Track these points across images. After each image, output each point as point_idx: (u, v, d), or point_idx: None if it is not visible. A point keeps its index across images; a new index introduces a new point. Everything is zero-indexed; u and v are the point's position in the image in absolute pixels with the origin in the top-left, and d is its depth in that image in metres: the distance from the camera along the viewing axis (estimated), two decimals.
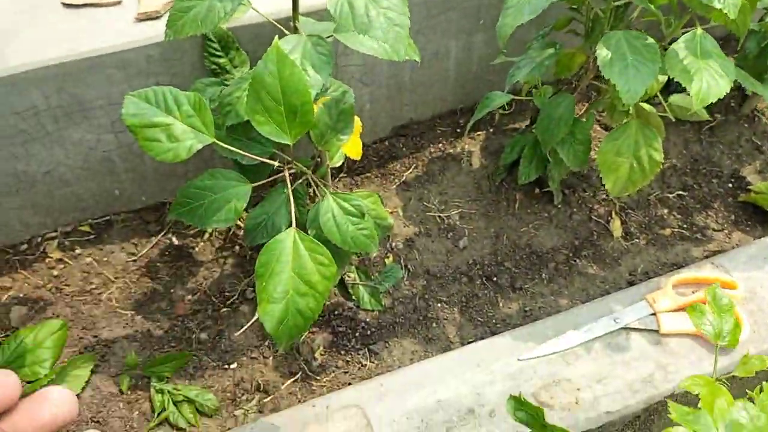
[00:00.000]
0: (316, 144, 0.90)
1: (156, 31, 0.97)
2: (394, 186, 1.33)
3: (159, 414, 1.01)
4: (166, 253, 1.20)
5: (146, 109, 0.77)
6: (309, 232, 0.90)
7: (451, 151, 1.39)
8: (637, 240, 1.30)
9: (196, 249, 1.21)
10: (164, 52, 0.98)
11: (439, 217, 1.29)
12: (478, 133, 1.42)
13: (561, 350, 1.10)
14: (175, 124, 0.77)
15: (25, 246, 1.18)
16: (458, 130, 1.42)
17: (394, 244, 1.24)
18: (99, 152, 1.08)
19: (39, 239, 1.19)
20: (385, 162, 1.36)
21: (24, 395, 0.98)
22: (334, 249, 0.89)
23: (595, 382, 1.06)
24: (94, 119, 1.02)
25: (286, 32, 0.89)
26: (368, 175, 1.34)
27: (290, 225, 0.83)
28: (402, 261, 1.22)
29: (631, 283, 1.24)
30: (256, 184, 0.90)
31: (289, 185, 0.86)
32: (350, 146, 0.98)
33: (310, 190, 1.06)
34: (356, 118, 0.95)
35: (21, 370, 1.02)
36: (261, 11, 0.90)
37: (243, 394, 1.05)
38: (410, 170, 1.35)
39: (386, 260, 1.22)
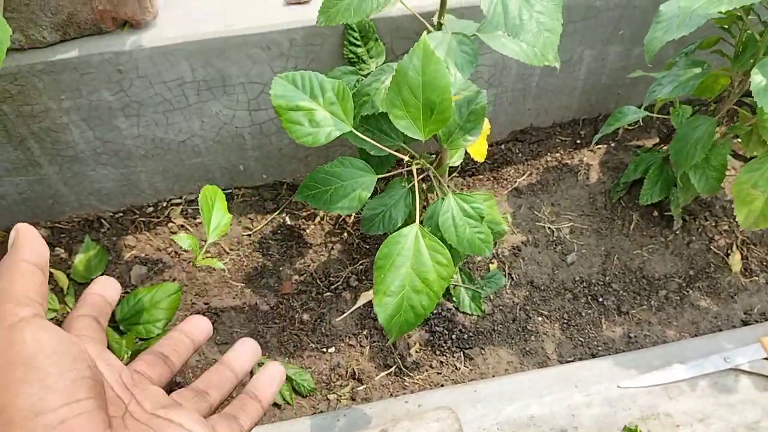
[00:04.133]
0: (442, 142, 0.90)
1: (302, 16, 1.00)
2: (506, 191, 1.31)
3: None
4: (279, 231, 1.24)
5: (292, 92, 0.79)
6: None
7: (569, 161, 1.35)
8: (757, 278, 1.23)
9: (307, 231, 1.24)
10: (307, 37, 1.01)
11: (549, 228, 1.26)
12: (599, 146, 1.38)
13: (664, 383, 1.06)
14: (317, 110, 0.79)
15: (151, 209, 1.25)
16: (578, 141, 1.38)
17: (500, 250, 1.23)
18: (232, 127, 1.13)
19: (165, 204, 1.25)
20: (499, 166, 1.35)
21: (136, 351, 1.04)
22: (449, 249, 0.89)
23: (697, 421, 1.02)
24: (233, 95, 1.06)
25: (430, 28, 0.90)
26: (480, 177, 1.33)
27: (407, 219, 0.84)
28: (506, 268, 1.21)
29: (745, 323, 1.17)
30: (380, 176, 0.91)
31: (415, 180, 0.86)
32: (476, 147, 0.98)
33: (425, 186, 1.06)
34: (485, 121, 0.94)
35: (136, 327, 1.09)
36: (408, 5, 0.91)
37: (337, 380, 1.07)
38: (524, 177, 1.33)
39: (490, 265, 1.21)
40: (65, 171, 1.12)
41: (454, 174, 1.33)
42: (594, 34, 1.19)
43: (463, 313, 1.14)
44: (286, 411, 1.04)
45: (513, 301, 1.17)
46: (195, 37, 0.97)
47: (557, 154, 1.37)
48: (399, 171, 0.94)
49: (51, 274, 1.16)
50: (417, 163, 0.88)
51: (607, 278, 1.21)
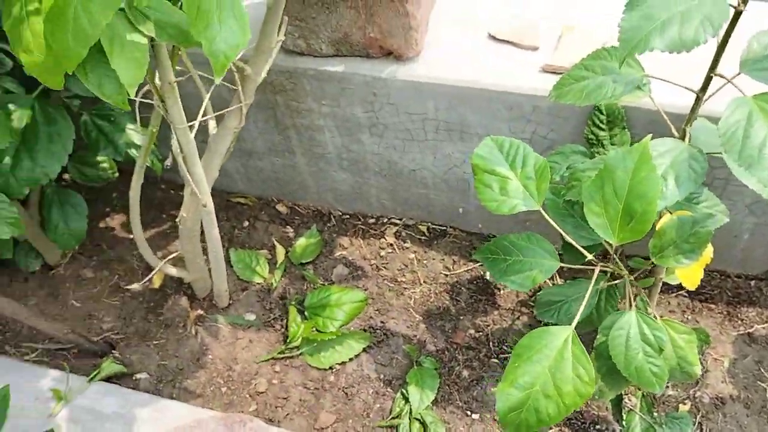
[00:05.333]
0: (651, 255, 0.82)
1: (550, 86, 0.98)
2: (736, 333, 1.13)
3: (392, 417, 1.07)
4: (475, 282, 1.24)
5: (495, 156, 0.79)
6: (598, 337, 0.83)
7: None
8: None
9: (501, 293, 1.22)
10: (552, 108, 0.99)
11: None
12: None
13: None
14: (511, 180, 0.78)
15: (372, 221, 1.34)
16: None
17: (699, 393, 1.07)
18: (460, 171, 1.16)
19: (385, 220, 1.33)
20: (739, 303, 1.16)
21: (310, 339, 1.10)
22: (612, 367, 0.81)
23: None
24: (468, 142, 1.09)
25: (674, 131, 0.82)
26: (711, 305, 1.17)
27: (576, 320, 0.78)
28: (698, 417, 1.04)
29: None
30: (565, 265, 0.86)
31: (600, 284, 0.80)
32: (688, 273, 0.87)
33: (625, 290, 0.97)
34: (709, 248, 0.83)
35: (316, 318, 1.18)
36: (657, 101, 0.84)
37: None
38: (765, 324, 1.13)
39: (681, 405, 1.06)
40: (312, 165, 1.26)
41: (681, 291, 1.19)
42: None
43: None
44: None
45: None
46: (445, 81, 1.02)
47: None
48: (589, 267, 0.88)
49: (273, 245, 1.31)
50: (607, 267, 0.81)
51: None
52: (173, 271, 1.14)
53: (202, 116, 0.88)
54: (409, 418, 1.06)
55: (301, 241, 1.31)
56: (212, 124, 0.99)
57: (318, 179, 1.30)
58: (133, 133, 1.08)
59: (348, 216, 1.36)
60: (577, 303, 0.89)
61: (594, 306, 0.88)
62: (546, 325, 0.77)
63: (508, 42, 1.06)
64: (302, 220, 1.37)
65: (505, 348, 1.14)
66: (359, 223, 1.34)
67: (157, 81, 0.82)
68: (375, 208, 1.32)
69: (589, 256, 0.80)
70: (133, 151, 1.06)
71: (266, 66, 0.92)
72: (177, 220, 1.06)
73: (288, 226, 1.36)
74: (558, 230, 0.82)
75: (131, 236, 1.37)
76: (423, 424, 1.05)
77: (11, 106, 0.95)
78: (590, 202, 0.75)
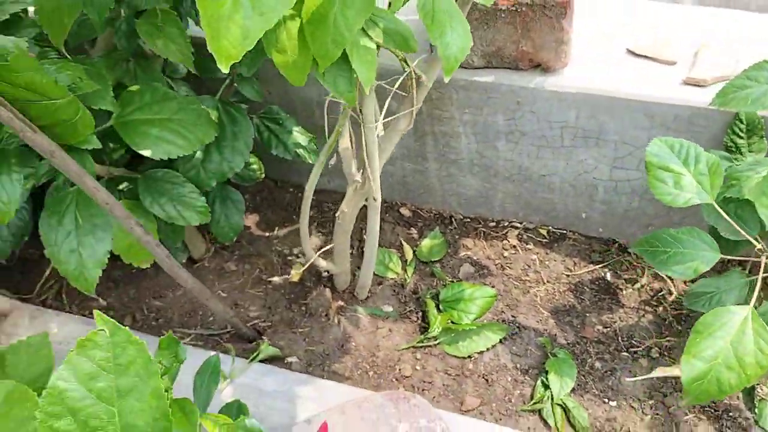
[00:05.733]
0: None
1: (694, 97, 1.07)
2: None
3: (534, 402, 1.14)
4: (596, 283, 1.31)
5: (666, 154, 0.88)
6: None
7: None
8: None
9: (624, 293, 1.29)
10: (692, 117, 1.08)
11: None
12: None
13: None
14: (685, 176, 0.87)
15: (493, 224, 1.43)
16: None
17: None
18: (590, 177, 1.24)
19: (505, 224, 1.42)
20: None
21: (447, 329, 1.18)
22: None
23: None
24: (603, 149, 1.18)
25: None
26: None
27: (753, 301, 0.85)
28: None
29: None
30: (723, 257, 0.93)
31: (760, 274, 0.88)
32: None
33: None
34: None
35: (451, 311, 1.27)
36: None
37: (611, 429, 1.11)
38: None
39: None
40: (443, 170, 1.36)
41: None
42: None
43: (762, 429, 1.08)
44: None
45: None
46: (590, 90, 1.11)
47: None
48: (745, 258, 0.96)
49: (401, 245, 1.40)
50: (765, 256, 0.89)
51: None
52: (323, 264, 1.24)
53: (383, 117, 0.98)
54: (552, 404, 1.13)
55: (426, 242, 1.40)
56: (380, 127, 1.09)
57: (444, 184, 1.39)
58: (298, 134, 1.18)
59: (469, 219, 1.45)
60: (728, 294, 0.97)
61: (747, 296, 0.96)
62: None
63: (646, 57, 1.15)
64: (425, 223, 1.46)
65: (634, 343, 1.22)
66: (480, 226, 1.43)
67: None
68: (497, 212, 1.41)
69: (759, 245, 0.88)
70: (300, 151, 1.17)
71: (435, 75, 1.02)
72: (336, 215, 1.15)
73: (412, 228, 1.45)
74: (720, 225, 0.91)
75: (267, 234, 1.47)
76: (565, 409, 1.13)
77: (203, 106, 1.06)
78: (761, 197, 0.83)
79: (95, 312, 0.63)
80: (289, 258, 1.42)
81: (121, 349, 0.60)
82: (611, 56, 1.17)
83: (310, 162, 1.18)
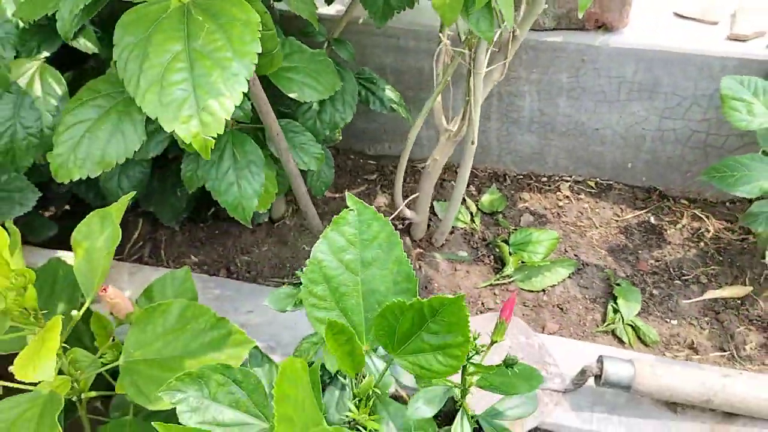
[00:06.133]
0: None
1: (737, 49, 1.24)
2: None
3: (607, 324, 1.29)
4: (642, 225, 1.48)
5: (738, 87, 1.05)
6: None
7: None
8: None
9: (668, 232, 1.46)
10: (737, 67, 1.25)
11: None
12: None
13: None
14: (756, 104, 1.03)
15: (545, 179, 1.58)
16: None
17: None
18: (639, 128, 1.41)
19: (557, 178, 1.58)
20: None
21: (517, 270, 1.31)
22: None
23: None
24: (654, 101, 1.34)
25: None
26: None
27: None
28: None
29: None
30: None
31: None
32: None
33: None
34: None
35: (520, 252, 1.41)
36: None
37: (675, 344, 1.26)
38: None
39: None
40: (503, 129, 1.50)
41: None
42: None
43: None
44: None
45: None
46: (648, 47, 1.27)
47: None
48: None
49: (464, 200, 1.54)
50: None
51: None
52: (408, 213, 1.36)
53: (486, 66, 1.12)
54: (623, 324, 1.28)
55: (486, 197, 1.54)
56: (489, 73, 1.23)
57: (503, 143, 1.54)
58: (390, 92, 1.31)
59: (522, 176, 1.60)
60: None
61: None
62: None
63: (692, 18, 1.32)
64: (481, 181, 1.60)
65: (684, 272, 1.38)
66: (533, 182, 1.58)
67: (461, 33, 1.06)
68: (549, 167, 1.56)
69: None
70: (394, 106, 1.29)
71: (527, 30, 1.17)
72: (426, 163, 1.28)
73: (470, 186, 1.59)
74: None
75: (336, 196, 1.59)
76: (635, 328, 1.28)
77: None
78: None
79: (347, 193, 0.75)
80: None
81: (366, 226, 0.72)
82: (661, 19, 1.34)
83: (403, 116, 1.31)
